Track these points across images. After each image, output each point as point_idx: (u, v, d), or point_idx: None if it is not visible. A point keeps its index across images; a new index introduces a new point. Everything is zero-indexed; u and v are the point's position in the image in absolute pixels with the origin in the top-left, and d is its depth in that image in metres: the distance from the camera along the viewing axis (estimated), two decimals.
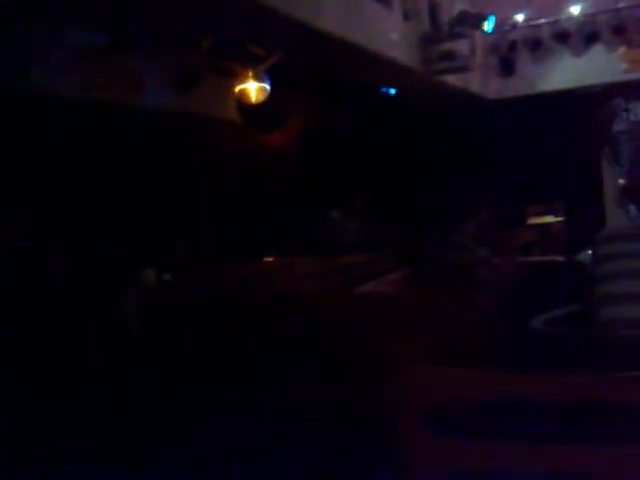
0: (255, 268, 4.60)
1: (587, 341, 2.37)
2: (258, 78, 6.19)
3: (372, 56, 5.87)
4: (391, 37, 6.21)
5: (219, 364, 2.64)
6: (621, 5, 7.86)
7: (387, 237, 5.76)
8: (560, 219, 7.00)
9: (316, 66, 6.20)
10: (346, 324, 2.53)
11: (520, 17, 8.26)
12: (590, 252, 2.79)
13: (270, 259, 5.10)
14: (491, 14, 7.03)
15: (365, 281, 3.80)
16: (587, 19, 8.12)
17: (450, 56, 6.96)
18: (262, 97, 6.26)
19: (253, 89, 6.19)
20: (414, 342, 2.23)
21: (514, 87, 8.65)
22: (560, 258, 4.75)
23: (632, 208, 5.80)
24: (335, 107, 7.27)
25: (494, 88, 8.78)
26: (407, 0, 6.41)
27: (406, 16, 6.44)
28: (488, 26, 7.02)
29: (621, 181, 7.30)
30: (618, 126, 7.05)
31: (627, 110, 7.58)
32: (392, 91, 7.78)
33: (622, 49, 8.19)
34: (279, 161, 6.86)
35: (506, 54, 8.59)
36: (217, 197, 5.71)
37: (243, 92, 6.24)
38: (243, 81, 6.19)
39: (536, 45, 8.43)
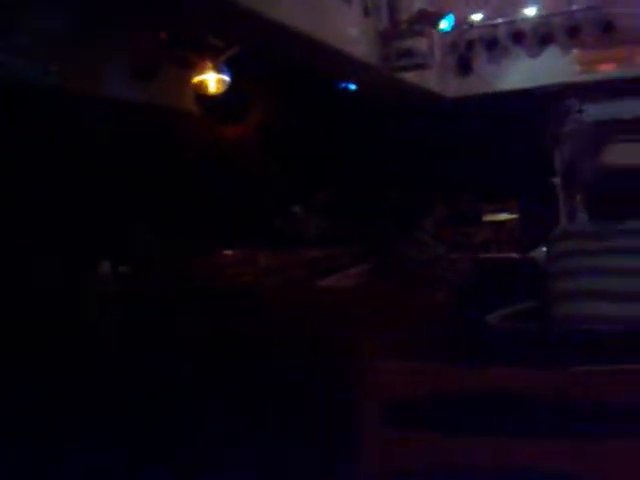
0: (215, 261, 4.57)
1: (542, 337, 2.42)
2: (217, 70, 6.13)
3: (331, 51, 5.88)
4: (350, 33, 6.22)
5: (175, 355, 2.63)
6: (575, 8, 8.04)
7: (348, 232, 5.79)
8: (515, 217, 7.14)
9: (277, 59, 6.18)
10: (306, 317, 2.53)
11: (477, 17, 8.37)
12: (544, 249, 2.85)
13: (232, 252, 5.07)
14: (449, 13, 7.12)
15: (326, 275, 3.82)
16: (542, 20, 8.28)
17: (409, 53, 7.01)
18: (221, 89, 6.21)
19: (212, 81, 6.13)
20: (374, 336, 2.24)
21: (472, 86, 8.78)
22: (515, 255, 4.84)
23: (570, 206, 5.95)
24: (296, 101, 7.25)
25: (452, 86, 8.90)
26: None
27: (365, 12, 6.47)
28: (446, 25, 7.10)
29: (556, 180, 7.46)
30: (570, 126, 7.22)
31: (580, 111, 7.77)
32: (352, 87, 7.80)
33: (576, 51, 8.39)
34: (240, 154, 6.81)
35: (464, 53, 8.70)
36: (177, 189, 5.64)
37: (201, 84, 6.17)
38: (202, 72, 6.13)
39: (493, 45, 8.56)
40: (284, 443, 2.32)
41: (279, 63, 6.33)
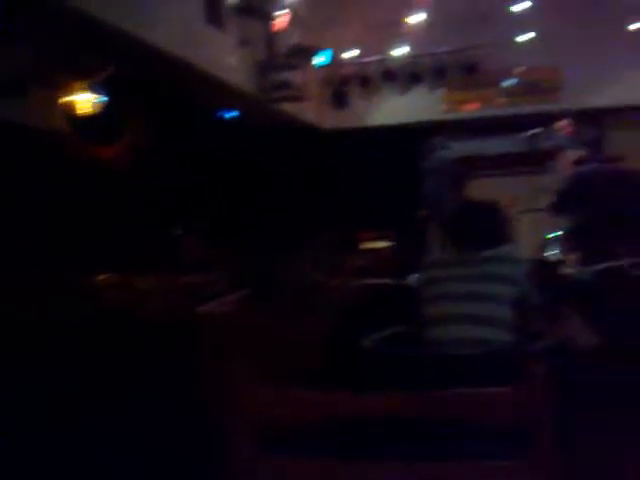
0: (88, 285, 4.32)
1: (414, 360, 2.49)
2: (90, 90, 5.93)
3: (207, 78, 5.87)
4: (226, 61, 6.25)
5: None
6: (441, 50, 8.57)
7: (228, 257, 5.72)
8: (391, 244, 7.40)
9: (154, 82, 6.07)
10: (181, 345, 2.45)
11: (352, 54, 8.70)
12: (418, 276, 2.97)
13: (106, 276, 4.82)
14: (325, 48, 7.34)
15: (205, 301, 3.73)
16: (411, 60, 8.74)
17: (285, 85, 7.15)
18: (94, 110, 6.00)
19: (84, 101, 5.92)
20: (250, 363, 2.21)
21: (347, 119, 9.07)
22: (390, 281, 5.00)
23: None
24: (174, 124, 7.13)
25: (328, 119, 9.15)
26: (243, 26, 6.50)
27: (242, 42, 6.52)
28: (322, 59, 7.32)
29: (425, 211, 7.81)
30: (436, 161, 7.63)
31: (446, 147, 8.22)
32: (232, 114, 7.81)
33: (442, 91, 8.93)
34: (116, 176, 6.56)
35: (338, 87, 9.00)
36: (49, 211, 5.34)
37: (71, 104, 5.94)
38: (73, 93, 5.90)
39: (365, 81, 8.93)
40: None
41: (157, 86, 6.22)
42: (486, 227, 2.85)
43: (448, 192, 7.17)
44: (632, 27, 7.86)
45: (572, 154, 6.04)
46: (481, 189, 7.05)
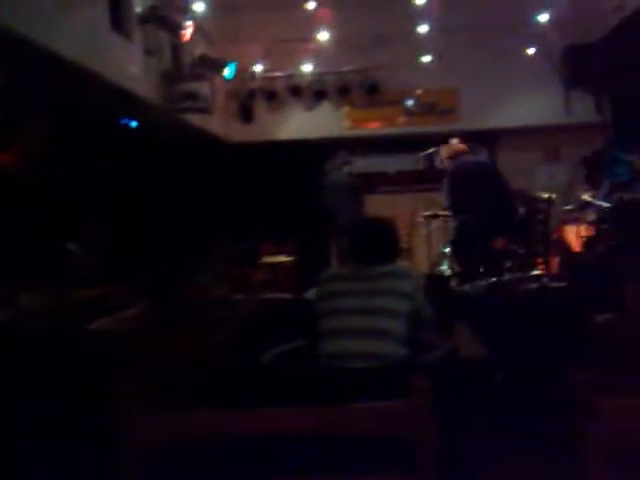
0: None
1: (309, 374, 2.54)
2: None
3: (110, 86, 5.74)
4: (131, 70, 6.14)
5: None
6: (345, 69, 8.79)
7: (125, 271, 5.57)
8: (292, 258, 7.45)
9: (55, 89, 5.86)
10: (74, 362, 2.39)
11: (259, 68, 8.76)
12: (315, 290, 3.04)
13: None
14: (232, 61, 7.35)
15: (99, 316, 3.61)
16: (317, 78, 8.91)
17: (191, 96, 7.09)
18: None
19: None
20: (145, 381, 2.19)
21: (253, 133, 9.12)
22: (290, 296, 5.05)
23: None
24: (74, 132, 6.90)
25: (235, 132, 9.15)
26: (149, 36, 6.41)
27: (148, 52, 6.43)
28: (229, 72, 7.32)
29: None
30: (339, 177, 7.79)
31: (348, 163, 8.41)
32: (134, 124, 7.65)
33: (346, 108, 9.15)
34: (7, 184, 6.26)
35: (245, 101, 9.03)
36: None
37: None
38: None
39: (272, 96, 9.02)
40: None
41: (58, 93, 6.01)
42: (382, 243, 2.96)
43: (348, 207, 7.34)
44: (527, 52, 8.38)
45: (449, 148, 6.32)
46: (381, 205, 7.29)
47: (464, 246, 5.97)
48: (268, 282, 5.90)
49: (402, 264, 3.09)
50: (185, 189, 8.20)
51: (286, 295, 5.11)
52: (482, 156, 8.70)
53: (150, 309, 3.42)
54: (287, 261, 7.37)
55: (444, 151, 6.35)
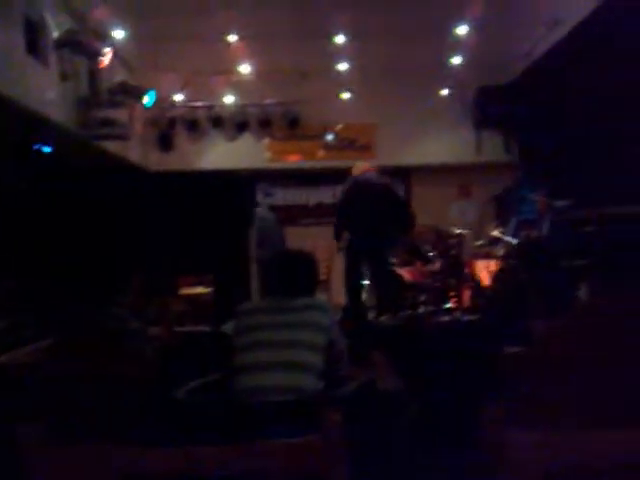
0: None
1: (221, 410, 2.50)
2: None
3: (24, 111, 5.57)
4: (46, 95, 5.97)
5: None
6: (267, 101, 8.89)
7: (35, 301, 5.34)
8: (210, 290, 7.35)
9: None
10: None
11: (179, 97, 8.72)
12: (233, 323, 3.01)
13: None
14: (151, 89, 7.28)
15: (6, 350, 3.42)
16: (238, 109, 8.96)
17: (109, 123, 6.97)
18: None
19: None
20: (57, 416, 2.10)
21: (173, 162, 9.02)
22: (208, 328, 4.98)
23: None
24: None
25: (154, 160, 9.02)
26: (65, 60, 6.27)
27: (64, 77, 6.29)
28: (148, 100, 7.24)
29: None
30: (258, 209, 7.83)
31: (269, 195, 8.46)
32: (47, 149, 7.41)
33: (267, 140, 9.23)
34: None
35: (165, 129, 8.95)
36: None
37: None
38: None
39: (193, 126, 8.99)
40: None
41: None
42: (301, 276, 2.98)
43: (269, 239, 7.37)
44: (441, 93, 8.75)
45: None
46: (301, 237, 7.35)
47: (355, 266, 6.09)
48: (186, 314, 5.79)
49: (319, 297, 3.12)
50: (100, 217, 7.98)
51: (203, 328, 5.04)
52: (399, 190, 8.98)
53: (59, 342, 3.29)
54: (205, 293, 7.27)
55: (354, 169, 6.50)
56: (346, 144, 9.26)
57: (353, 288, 6.11)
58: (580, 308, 3.42)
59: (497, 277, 6.64)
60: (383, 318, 5.70)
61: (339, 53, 8.03)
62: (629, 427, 1.34)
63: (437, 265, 7.10)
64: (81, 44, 6.32)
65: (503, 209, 7.98)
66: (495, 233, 7.11)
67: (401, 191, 9.34)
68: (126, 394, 2.61)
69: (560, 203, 6.12)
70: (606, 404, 2.20)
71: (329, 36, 7.55)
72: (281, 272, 3.00)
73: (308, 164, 9.32)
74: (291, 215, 9.25)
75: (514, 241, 6.66)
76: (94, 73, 6.90)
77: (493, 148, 9.00)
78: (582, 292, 4.32)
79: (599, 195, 5.63)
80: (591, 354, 2.40)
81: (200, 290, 7.27)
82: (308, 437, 1.47)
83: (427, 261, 6.57)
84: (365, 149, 9.31)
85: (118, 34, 7.03)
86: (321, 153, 9.24)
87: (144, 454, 1.28)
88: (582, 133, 6.68)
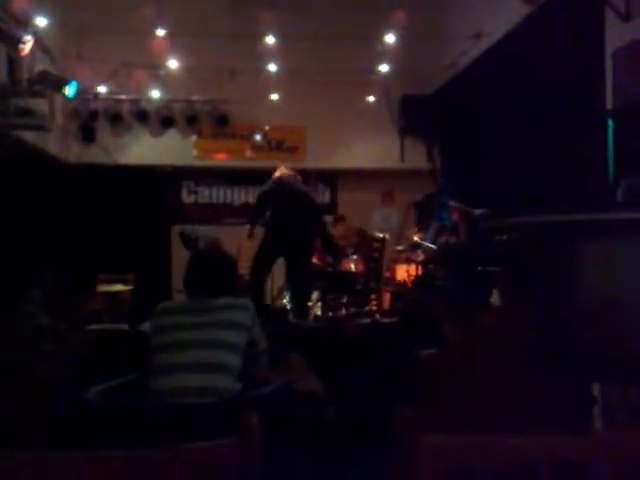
0: None
1: (135, 412, 2.45)
2: None
3: None
4: None
5: None
6: (195, 98, 8.78)
7: None
8: (130, 288, 7.19)
9: None
10: None
11: (102, 89, 8.49)
12: (150, 322, 2.96)
13: None
14: (74, 79, 7.07)
15: None
16: (164, 104, 8.81)
17: (28, 113, 6.71)
18: None
19: None
20: None
21: (94, 155, 8.77)
22: (125, 327, 4.87)
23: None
24: None
25: (74, 153, 8.75)
26: None
27: None
28: (70, 91, 7.02)
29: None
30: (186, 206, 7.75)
31: (195, 192, 8.39)
32: None
33: (194, 137, 9.11)
34: None
35: (87, 122, 8.69)
36: None
37: None
38: None
39: (117, 119, 8.76)
40: None
41: None
42: (217, 275, 2.96)
43: (196, 239, 7.29)
44: (368, 99, 8.89)
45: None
46: (226, 236, 7.30)
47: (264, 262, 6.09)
48: (103, 312, 5.65)
49: (240, 297, 3.11)
50: (13, 209, 7.68)
51: (120, 326, 4.93)
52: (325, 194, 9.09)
53: None
54: (125, 290, 7.10)
55: (278, 171, 6.54)
56: (274, 145, 9.27)
57: (256, 284, 6.06)
58: (491, 314, 3.57)
59: (415, 281, 6.82)
60: (304, 319, 5.75)
61: (269, 54, 8.04)
62: (528, 432, 1.41)
63: (359, 267, 7.22)
64: (1, 31, 6.08)
65: (424, 215, 8.20)
66: (416, 238, 7.29)
67: (325, 197, 9.51)
68: (34, 396, 2.53)
69: (478, 211, 6.33)
70: (510, 409, 2.31)
71: (259, 36, 7.56)
72: (195, 271, 2.98)
73: (235, 163, 9.27)
74: (216, 214, 9.17)
75: (433, 246, 6.85)
76: (14, 61, 6.64)
77: (416, 155, 9.23)
78: (494, 297, 4.51)
79: (515, 203, 5.87)
80: (498, 360, 2.51)
81: (119, 287, 7.10)
82: (225, 440, 1.47)
83: (336, 256, 6.65)
84: (293, 151, 9.35)
85: (41, 22, 6.78)
86: (249, 153, 9.21)
87: (49, 461, 1.25)
88: (501, 143, 6.95)
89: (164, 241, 8.65)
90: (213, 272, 2.93)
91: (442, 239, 6.79)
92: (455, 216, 6.65)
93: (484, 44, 7.36)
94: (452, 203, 6.72)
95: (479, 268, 5.11)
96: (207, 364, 2.64)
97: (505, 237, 4.62)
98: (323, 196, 9.88)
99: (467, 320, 3.18)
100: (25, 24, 6.55)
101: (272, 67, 8.33)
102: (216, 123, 8.91)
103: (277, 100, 8.72)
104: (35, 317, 3.32)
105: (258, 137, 9.13)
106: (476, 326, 2.90)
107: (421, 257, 7.00)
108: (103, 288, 7.00)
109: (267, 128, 9.05)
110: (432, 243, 6.93)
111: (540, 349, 2.64)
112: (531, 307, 3.08)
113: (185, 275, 2.95)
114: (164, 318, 2.85)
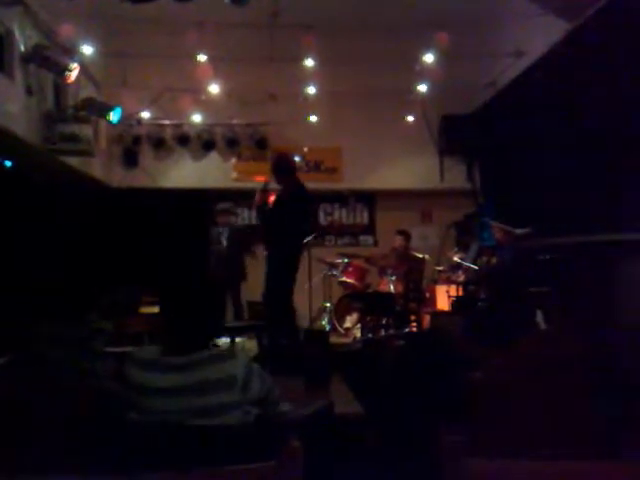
0: None
1: (171, 431, 2.41)
2: None
3: None
4: (10, 109, 5.90)
5: None
6: (234, 122, 8.91)
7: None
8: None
9: None
10: None
11: (146, 114, 8.68)
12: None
13: None
14: (118, 105, 7.25)
15: None
16: (206, 128, 8.96)
17: (72, 138, 6.90)
18: None
19: None
20: None
21: (137, 179, 8.95)
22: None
23: None
24: None
25: (117, 177, 8.94)
26: (30, 75, 6.21)
27: (29, 91, 6.22)
28: (114, 117, 7.20)
29: None
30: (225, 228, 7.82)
31: (235, 214, 8.45)
32: (8, 163, 7.29)
33: (233, 160, 9.23)
34: None
35: (130, 146, 8.89)
36: None
37: None
38: None
39: (159, 143, 8.94)
40: None
41: None
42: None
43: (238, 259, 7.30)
44: (407, 119, 8.88)
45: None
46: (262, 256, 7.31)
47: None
48: (144, 333, 5.68)
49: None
50: (60, 233, 7.86)
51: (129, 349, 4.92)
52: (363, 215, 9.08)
53: (8, 364, 3.15)
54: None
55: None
56: (313, 166, 9.32)
57: (292, 305, 5.90)
58: (536, 337, 3.48)
59: (456, 302, 6.72)
60: (345, 341, 5.71)
61: (308, 76, 8.12)
62: (579, 458, 1.36)
63: (398, 288, 7.16)
64: (48, 59, 6.27)
65: (464, 235, 8.11)
66: (456, 258, 7.21)
67: (363, 217, 9.50)
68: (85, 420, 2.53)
69: (520, 231, 6.24)
70: (558, 434, 2.24)
71: (298, 59, 7.64)
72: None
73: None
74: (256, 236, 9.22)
75: (474, 267, 6.76)
76: (60, 88, 6.85)
77: (455, 175, 9.17)
78: (539, 319, 4.41)
79: (559, 224, 5.76)
80: (544, 384, 2.44)
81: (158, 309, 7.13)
82: (266, 462, 1.46)
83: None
84: (332, 172, 9.38)
85: (86, 50, 7.00)
86: None
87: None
88: (541, 162, 6.85)
89: (199, 262, 8.71)
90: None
91: (483, 259, 6.69)
92: (498, 235, 6.56)
93: (524, 62, 7.30)
94: (494, 223, 6.63)
95: (522, 289, 5.01)
96: None
97: (548, 257, 4.53)
98: (362, 217, 9.88)
99: (511, 342, 3.10)
100: (71, 52, 6.76)
101: (311, 89, 8.40)
102: (256, 146, 9.02)
103: (315, 122, 8.78)
104: (86, 342, 3.30)
105: (297, 159, 9.17)
106: (522, 349, 2.83)
107: (462, 277, 6.91)
108: (146, 309, 7.05)
109: (306, 150, 9.10)
110: (473, 263, 6.84)
111: (588, 372, 2.56)
112: (578, 328, 3.00)
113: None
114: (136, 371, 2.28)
